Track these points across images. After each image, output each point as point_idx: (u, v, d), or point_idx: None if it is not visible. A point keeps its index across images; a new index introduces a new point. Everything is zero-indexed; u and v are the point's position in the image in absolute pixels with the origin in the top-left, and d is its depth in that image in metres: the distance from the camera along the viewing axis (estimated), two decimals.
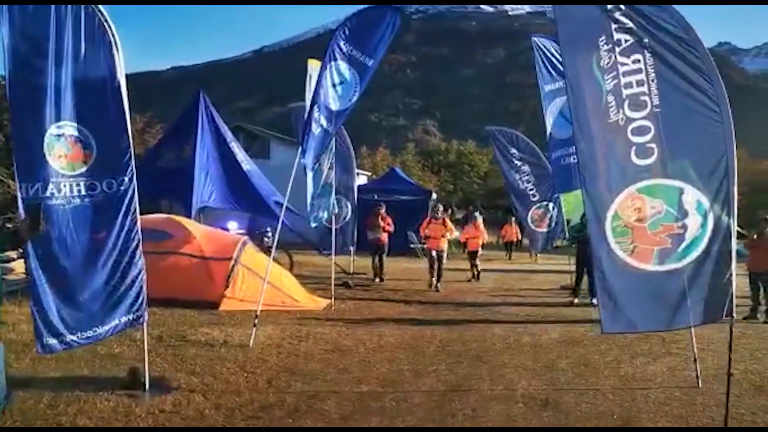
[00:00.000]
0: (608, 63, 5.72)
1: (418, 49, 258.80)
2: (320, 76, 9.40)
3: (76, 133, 5.80)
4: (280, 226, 9.69)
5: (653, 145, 5.54)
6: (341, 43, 9.45)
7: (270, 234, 15.94)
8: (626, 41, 5.66)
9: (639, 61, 5.60)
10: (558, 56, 11.15)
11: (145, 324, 6.52)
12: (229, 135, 16.00)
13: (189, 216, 13.63)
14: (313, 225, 12.65)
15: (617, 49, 5.70)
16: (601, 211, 5.76)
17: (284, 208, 10.06)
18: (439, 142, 62.86)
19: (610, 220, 5.71)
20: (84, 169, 5.90)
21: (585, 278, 13.54)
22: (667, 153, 5.46)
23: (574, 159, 11.26)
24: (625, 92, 5.65)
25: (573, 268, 15.38)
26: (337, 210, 12.73)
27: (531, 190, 16.10)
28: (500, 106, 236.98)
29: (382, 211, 16.58)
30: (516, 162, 16.19)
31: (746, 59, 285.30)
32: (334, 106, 9.63)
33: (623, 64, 5.67)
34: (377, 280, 16.34)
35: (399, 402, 6.54)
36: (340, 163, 13.06)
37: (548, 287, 16.51)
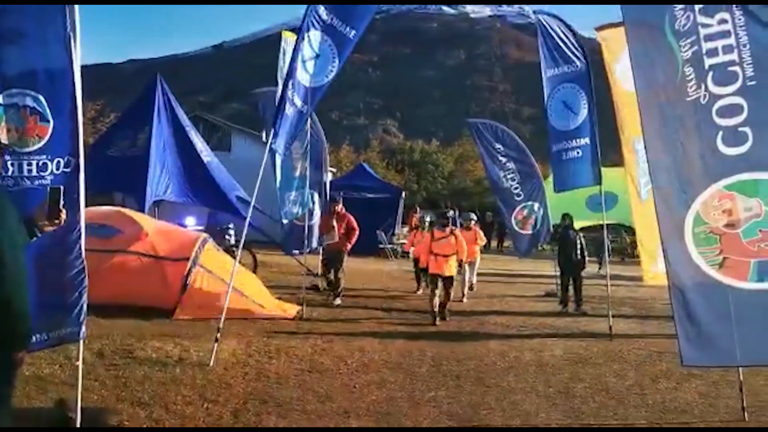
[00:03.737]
0: (685, 25, 4.50)
1: (380, 49, 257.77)
2: (296, 49, 8.08)
3: (31, 104, 4.74)
4: (247, 224, 8.29)
5: (746, 129, 4.29)
6: (321, 11, 8.12)
7: (232, 231, 14.48)
8: None
9: (726, 21, 4.38)
10: (565, 37, 10.00)
11: (82, 341, 5.09)
12: (188, 124, 14.58)
13: (142, 210, 12.17)
14: (284, 221, 11.26)
15: (696, 7, 4.46)
16: (678, 214, 4.52)
17: (252, 207, 8.68)
18: (399, 142, 61.55)
19: (691, 225, 4.46)
20: (40, 144, 4.84)
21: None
22: (766, 138, 4.21)
23: (578, 153, 10.13)
24: (708, 62, 4.42)
25: (554, 272, 14.51)
26: (311, 206, 11.35)
27: (515, 188, 14.87)
28: (460, 107, 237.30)
29: (339, 207, 12.51)
30: (500, 158, 14.94)
31: None
32: (309, 82, 8.29)
33: (705, 26, 4.44)
34: (337, 300, 12.24)
35: None
36: (312, 156, 11.67)
37: (533, 294, 15.43)
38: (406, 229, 27.52)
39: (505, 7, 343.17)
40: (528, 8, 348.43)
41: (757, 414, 6.28)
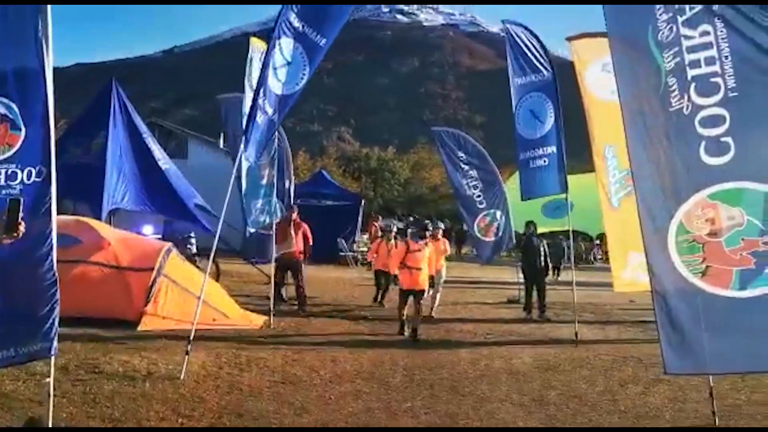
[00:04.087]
0: (668, 36, 4.55)
1: (333, 56, 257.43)
2: (267, 56, 7.97)
3: (2, 111, 4.57)
4: (218, 232, 8.13)
5: (728, 140, 4.36)
6: (292, 18, 8.03)
7: (193, 240, 14.20)
8: (691, 9, 4.50)
9: (708, 33, 4.45)
10: (532, 46, 10.12)
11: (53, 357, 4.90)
12: (144, 129, 14.25)
13: (99, 219, 11.81)
14: (251, 230, 11.07)
15: (680, 19, 4.54)
16: (661, 224, 4.56)
17: (221, 221, 8.49)
18: (355, 149, 61.57)
19: (674, 233, 4.51)
20: (9, 153, 4.63)
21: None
22: (748, 149, 4.30)
23: (544, 161, 10.23)
24: (691, 73, 4.48)
25: (516, 278, 14.61)
26: (278, 214, 11.17)
27: (478, 196, 14.98)
28: (414, 115, 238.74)
29: (295, 215, 12.27)
30: (463, 166, 15.04)
31: None
32: (281, 90, 8.19)
33: (688, 38, 4.51)
34: (277, 307, 11.35)
35: None
36: (278, 164, 11.51)
37: (496, 301, 15.52)
38: (366, 236, 27.49)
39: (457, 16, 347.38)
40: (480, 17, 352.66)
41: (726, 418, 6.41)
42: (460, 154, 15.17)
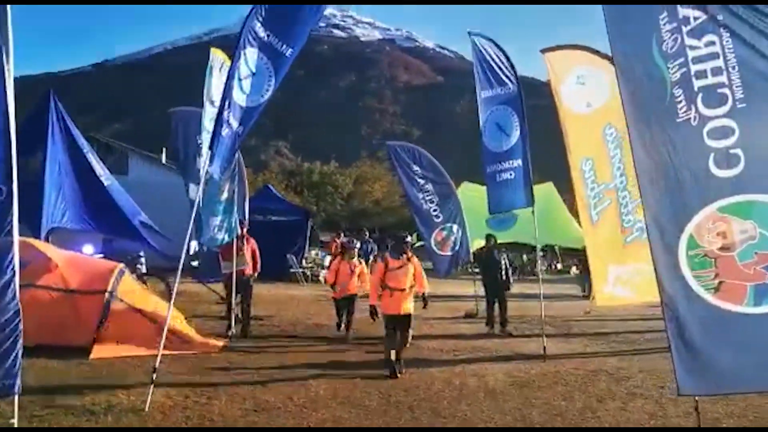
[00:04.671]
0: (673, 47, 4.45)
1: None
2: (232, 67, 7.61)
3: None
4: (186, 253, 7.68)
5: (738, 151, 4.27)
6: (257, 27, 7.70)
7: (143, 260, 13.57)
8: (695, 19, 4.42)
9: (713, 43, 4.37)
10: (498, 59, 10.03)
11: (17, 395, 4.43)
12: (85, 145, 13.58)
13: (38, 239, 11.13)
14: (204, 248, 10.59)
15: (684, 29, 4.44)
16: (670, 238, 4.42)
17: (189, 239, 8.07)
18: (297, 164, 60.97)
19: (685, 248, 4.38)
20: None
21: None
22: (758, 160, 4.20)
23: (510, 175, 10.13)
24: (698, 83, 4.38)
25: (474, 292, 14.49)
26: (238, 231, 10.71)
27: (435, 210, 14.84)
28: (352, 129, 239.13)
29: (245, 231, 11.81)
30: (419, 180, 14.87)
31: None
32: (245, 102, 7.83)
33: (693, 48, 4.41)
34: (230, 332, 11.04)
35: None
36: (238, 178, 11.08)
37: (453, 315, 15.37)
38: (315, 252, 27.06)
39: (393, 31, 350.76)
40: (417, 33, 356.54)
41: None
42: (416, 168, 15.00)
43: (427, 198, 14.94)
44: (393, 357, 8.67)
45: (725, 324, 4.28)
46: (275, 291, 18.15)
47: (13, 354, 4.32)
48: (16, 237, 4.44)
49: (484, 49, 10.20)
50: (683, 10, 4.45)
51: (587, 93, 6.97)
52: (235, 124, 7.65)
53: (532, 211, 10.14)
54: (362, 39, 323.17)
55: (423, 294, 9.52)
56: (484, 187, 22.80)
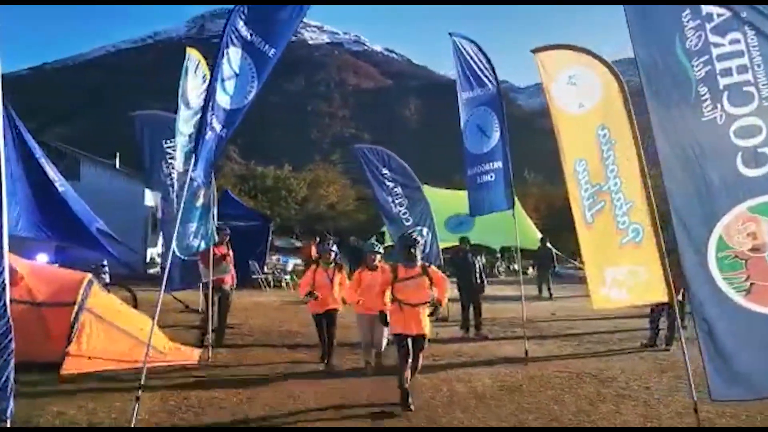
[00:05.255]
0: (697, 45, 4.38)
1: None
2: (215, 67, 7.31)
3: None
4: (160, 262, 7.31)
5: (766, 150, 4.22)
6: (239, 26, 7.41)
7: (107, 269, 13.04)
8: (719, 15, 4.35)
9: (738, 41, 4.31)
10: (478, 60, 9.95)
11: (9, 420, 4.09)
12: (37, 149, 12.97)
13: None
14: (182, 257, 10.20)
15: (708, 26, 4.38)
16: (699, 240, 4.34)
17: (163, 241, 7.68)
18: (250, 168, 60.09)
19: (714, 249, 4.30)
20: None
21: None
22: None
23: (491, 177, 10.05)
24: (723, 81, 4.32)
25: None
26: (217, 239, 10.34)
27: (404, 213, 14.66)
28: (302, 133, 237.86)
29: (227, 239, 11.74)
30: (388, 183, 14.68)
31: (521, 97, 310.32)
32: (229, 104, 7.54)
33: (717, 45, 4.35)
34: (207, 342, 10.12)
35: None
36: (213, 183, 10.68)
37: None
38: (276, 257, 26.64)
39: (342, 35, 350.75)
40: (364, 36, 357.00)
41: None
42: (385, 171, 14.80)
43: (397, 201, 14.75)
44: (407, 385, 7.29)
45: (757, 327, 4.23)
46: (240, 298, 17.62)
47: (4, 377, 3.98)
48: (5, 248, 4.10)
49: (465, 50, 10.11)
50: (706, 8, 4.39)
51: (579, 93, 6.91)
52: (218, 126, 7.35)
53: (512, 214, 10.10)
54: (310, 42, 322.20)
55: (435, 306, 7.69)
56: (441, 190, 22.86)
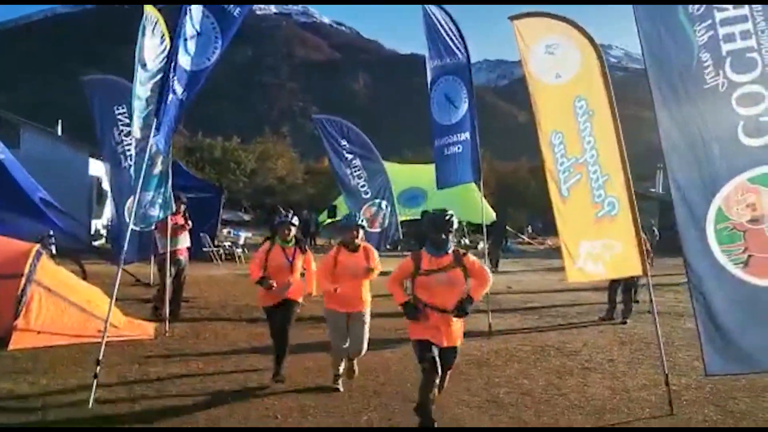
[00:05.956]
0: (699, 9, 4.23)
1: None
2: (178, 26, 6.90)
3: None
4: (89, 233, 6.94)
5: None
6: None
7: (54, 240, 12.46)
8: None
9: (742, 5, 4.17)
10: (449, 28, 9.70)
11: None
12: None
13: None
14: (139, 228, 9.75)
15: None
16: (698, 211, 4.25)
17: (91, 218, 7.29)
18: (197, 140, 58.54)
19: (713, 221, 4.22)
20: None
21: None
22: None
23: (458, 149, 9.88)
24: (726, 47, 4.20)
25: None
26: (174, 208, 9.90)
27: (363, 186, 14.42)
28: (250, 105, 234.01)
29: (183, 209, 11.10)
30: (346, 155, 14.40)
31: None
32: (190, 65, 7.16)
33: (721, 10, 4.21)
34: (163, 315, 9.69)
35: None
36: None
37: (386, 293, 15.06)
38: (227, 230, 26.08)
39: (289, 5, 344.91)
40: (313, 8, 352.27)
41: (676, 406, 6.37)
42: (343, 142, 14.52)
43: (356, 173, 14.51)
44: (434, 403, 5.60)
45: (754, 300, 4.18)
46: (192, 271, 17.15)
47: None
48: None
49: (435, 18, 9.85)
50: None
51: (557, 63, 6.77)
52: (179, 89, 6.97)
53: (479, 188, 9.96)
54: (258, 12, 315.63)
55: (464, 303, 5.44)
56: (394, 164, 22.61)
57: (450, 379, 7.07)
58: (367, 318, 7.06)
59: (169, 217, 9.97)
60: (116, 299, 9.50)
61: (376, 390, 6.89)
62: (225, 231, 25.05)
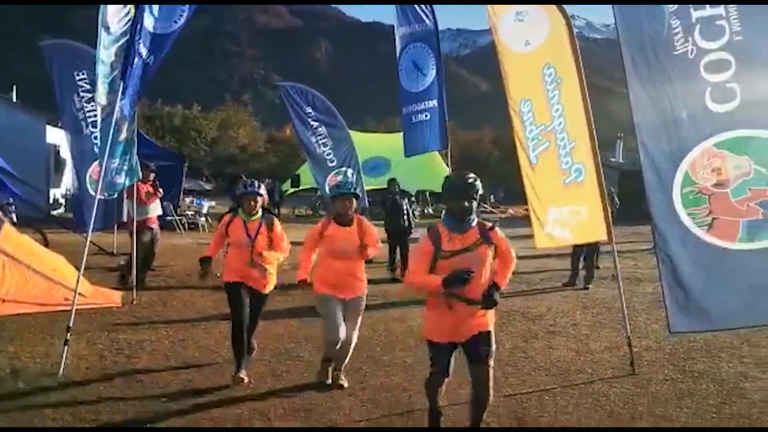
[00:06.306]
0: None
1: None
2: None
3: None
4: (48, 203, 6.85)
5: (734, 86, 4.23)
6: None
7: (14, 208, 12.20)
8: None
9: None
10: None
11: None
12: None
13: None
14: (105, 196, 9.59)
15: None
16: (665, 175, 4.39)
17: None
18: (156, 108, 57.33)
19: (680, 185, 4.35)
20: None
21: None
22: (754, 95, 4.18)
23: (426, 116, 9.90)
24: (695, 14, 4.28)
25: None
26: (141, 176, 9.76)
27: (328, 154, 14.35)
28: (210, 73, 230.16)
29: (154, 176, 11.23)
30: (312, 123, 14.28)
31: None
32: (155, 28, 7.02)
33: None
34: (130, 283, 9.72)
35: None
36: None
37: None
38: (190, 199, 25.75)
39: None
40: None
41: (638, 366, 6.61)
42: (309, 110, 14.39)
43: (321, 141, 14.41)
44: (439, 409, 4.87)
45: (717, 261, 4.34)
46: None
47: None
48: None
49: None
50: None
51: (526, 30, 6.81)
52: (144, 52, 6.83)
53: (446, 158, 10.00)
54: None
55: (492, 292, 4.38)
56: (357, 133, 22.54)
57: (417, 342, 7.19)
58: (363, 306, 6.04)
59: (139, 185, 9.94)
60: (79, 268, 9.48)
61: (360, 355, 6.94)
62: (188, 200, 24.71)
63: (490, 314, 4.54)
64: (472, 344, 4.46)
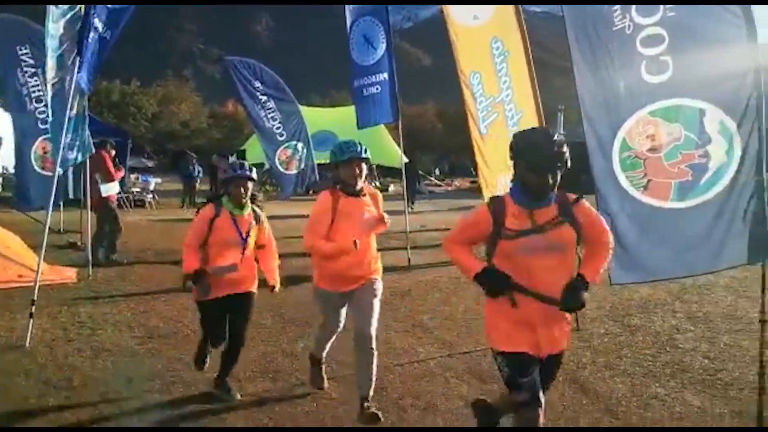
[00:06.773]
0: None
1: None
2: None
3: None
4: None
5: (667, 58, 4.57)
6: None
7: None
8: None
9: None
10: None
11: None
12: None
13: None
14: (59, 171, 9.49)
15: None
16: (605, 142, 4.75)
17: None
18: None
19: (618, 150, 4.72)
20: None
21: None
22: (684, 67, 4.56)
23: (377, 89, 10.13)
24: None
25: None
26: (93, 151, 9.71)
27: (278, 128, 14.40)
28: (148, 47, 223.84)
29: (113, 153, 11.73)
30: (260, 97, 14.28)
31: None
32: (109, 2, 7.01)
33: None
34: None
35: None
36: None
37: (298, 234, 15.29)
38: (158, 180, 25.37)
39: None
40: None
41: (586, 323, 7.07)
42: (257, 84, 14.38)
43: (270, 115, 14.46)
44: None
45: (651, 219, 4.75)
46: None
47: None
48: None
49: None
50: None
51: (474, 5, 7.11)
52: (100, 26, 6.82)
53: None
54: None
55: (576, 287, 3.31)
56: (304, 108, 22.59)
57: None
58: (380, 289, 4.98)
59: (107, 159, 10.06)
60: (29, 246, 9.44)
61: (307, 320, 7.16)
62: (133, 177, 24.36)
63: (567, 326, 3.54)
64: (544, 367, 3.37)
